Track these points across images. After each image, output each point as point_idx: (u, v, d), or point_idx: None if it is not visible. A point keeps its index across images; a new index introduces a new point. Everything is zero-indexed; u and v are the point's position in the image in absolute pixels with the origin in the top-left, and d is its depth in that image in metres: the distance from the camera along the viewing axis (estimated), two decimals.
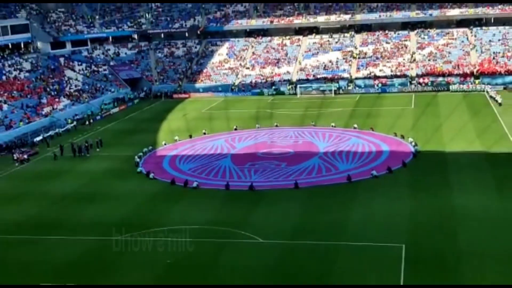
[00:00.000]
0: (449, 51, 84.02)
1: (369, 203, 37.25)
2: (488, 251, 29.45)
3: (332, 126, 59.25)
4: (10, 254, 32.94)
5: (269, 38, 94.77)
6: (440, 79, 78.34)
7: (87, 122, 69.87)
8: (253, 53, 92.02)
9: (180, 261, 30.24)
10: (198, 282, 28.16)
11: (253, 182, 42.35)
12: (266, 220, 35.56)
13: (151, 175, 45.69)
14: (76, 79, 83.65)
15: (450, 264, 28.32)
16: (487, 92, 72.29)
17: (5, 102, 68.82)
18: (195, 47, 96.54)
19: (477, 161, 44.70)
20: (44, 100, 73.00)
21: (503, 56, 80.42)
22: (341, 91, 79.74)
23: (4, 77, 76.28)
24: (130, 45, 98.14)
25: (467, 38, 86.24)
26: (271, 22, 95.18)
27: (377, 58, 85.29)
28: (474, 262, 28.36)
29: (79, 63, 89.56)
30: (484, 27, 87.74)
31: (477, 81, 76.69)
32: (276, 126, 61.23)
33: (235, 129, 60.47)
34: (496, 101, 66.20)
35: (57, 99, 74.84)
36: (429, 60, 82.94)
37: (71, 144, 56.91)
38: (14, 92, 72.79)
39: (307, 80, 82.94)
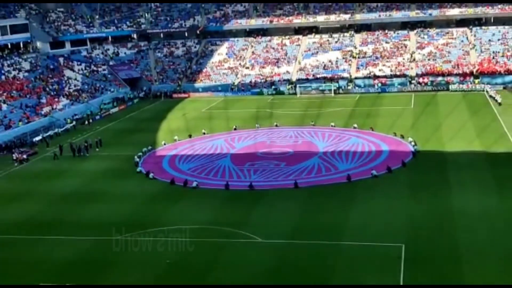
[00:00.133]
0: (449, 50, 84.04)
1: (368, 203, 37.27)
2: (487, 250, 29.47)
3: (332, 125, 59.25)
4: (10, 254, 32.91)
5: (268, 37, 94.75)
6: (440, 78, 78.36)
7: (86, 122, 69.84)
8: (253, 53, 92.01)
9: (180, 261, 30.24)
10: (198, 282, 28.16)
11: (252, 182, 42.37)
12: (266, 220, 35.57)
13: (151, 175, 45.68)
14: (76, 79, 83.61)
15: (450, 264, 28.33)
16: (486, 91, 72.31)
17: (4, 102, 68.78)
18: (195, 47, 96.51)
19: (476, 161, 44.72)
20: (43, 100, 72.97)
21: (502, 56, 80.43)
22: (340, 91, 79.72)
23: (3, 77, 76.23)
24: (129, 44, 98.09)
25: (467, 38, 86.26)
26: (271, 21, 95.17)
27: (376, 57, 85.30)
28: (474, 261, 28.38)
29: (79, 63, 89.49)
30: (483, 27, 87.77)
31: (476, 80, 76.70)
32: (276, 126, 61.22)
33: (235, 129, 60.45)
34: (496, 100, 66.23)
35: (56, 99, 74.82)
36: (428, 59, 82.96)
37: (70, 144, 56.92)
38: (14, 92, 72.75)
39: (307, 80, 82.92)
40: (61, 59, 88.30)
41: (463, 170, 42.52)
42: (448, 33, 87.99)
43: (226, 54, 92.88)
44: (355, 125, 58.29)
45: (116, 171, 48.68)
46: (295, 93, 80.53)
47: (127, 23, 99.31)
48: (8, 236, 35.34)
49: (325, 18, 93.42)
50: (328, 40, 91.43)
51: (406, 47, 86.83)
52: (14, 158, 53.32)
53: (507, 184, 38.99)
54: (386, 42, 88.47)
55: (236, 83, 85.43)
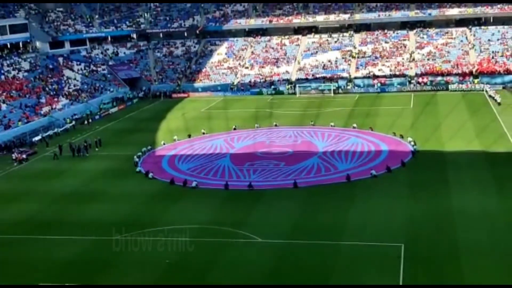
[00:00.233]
0: (448, 50, 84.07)
1: (368, 203, 37.28)
2: (487, 250, 29.50)
3: (331, 125, 59.25)
4: (10, 254, 32.90)
5: (268, 37, 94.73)
6: (439, 78, 78.37)
7: (86, 122, 69.80)
8: (252, 53, 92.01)
9: (180, 261, 30.24)
10: (198, 282, 28.16)
11: (252, 182, 42.37)
12: (265, 220, 35.59)
13: (150, 175, 45.66)
14: (75, 79, 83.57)
15: (449, 264, 28.33)
16: (486, 91, 72.31)
17: (4, 102, 68.75)
18: (194, 47, 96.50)
19: (476, 161, 44.75)
20: (43, 100, 72.94)
21: (502, 56, 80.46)
22: (340, 91, 79.72)
23: (2, 77, 76.20)
24: (129, 44, 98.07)
25: (466, 38, 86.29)
26: (270, 21, 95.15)
27: (376, 57, 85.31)
28: (473, 261, 28.39)
29: (78, 62, 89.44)
30: (483, 27, 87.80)
31: (476, 80, 76.72)
32: (275, 125, 61.22)
33: (234, 129, 60.44)
34: (495, 100, 66.25)
35: (56, 99, 74.78)
36: (428, 59, 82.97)
37: (69, 144, 56.90)
38: (13, 91, 72.72)
39: (306, 80, 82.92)
40: (60, 59, 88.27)
41: (462, 170, 42.56)
42: (447, 33, 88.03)
43: (226, 54, 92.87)
44: (355, 125, 58.29)
45: (115, 171, 48.66)
46: (294, 93, 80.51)
47: (127, 23, 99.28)
48: (7, 236, 35.32)
49: (325, 18, 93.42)
50: (327, 40, 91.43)
51: (405, 47, 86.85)
52: (14, 158, 53.30)
53: (507, 184, 39.01)
54: (386, 42, 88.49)
55: (235, 83, 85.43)
